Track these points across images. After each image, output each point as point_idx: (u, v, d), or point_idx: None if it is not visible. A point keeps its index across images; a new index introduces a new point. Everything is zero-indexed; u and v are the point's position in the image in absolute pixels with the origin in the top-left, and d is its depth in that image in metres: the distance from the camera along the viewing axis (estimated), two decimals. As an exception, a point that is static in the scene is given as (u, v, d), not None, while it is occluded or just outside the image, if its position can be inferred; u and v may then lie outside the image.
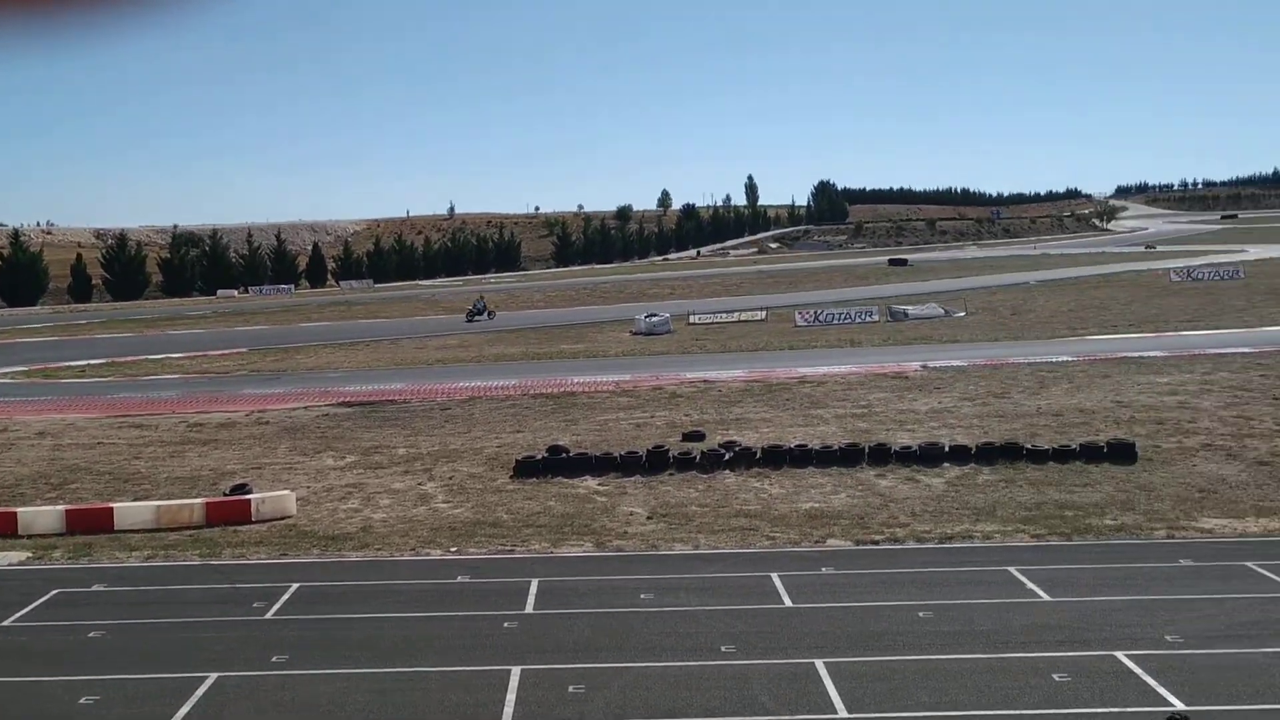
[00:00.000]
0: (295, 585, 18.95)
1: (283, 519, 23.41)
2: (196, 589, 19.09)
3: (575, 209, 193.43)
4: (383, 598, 18.20)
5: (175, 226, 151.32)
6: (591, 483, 25.63)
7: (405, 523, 23.02)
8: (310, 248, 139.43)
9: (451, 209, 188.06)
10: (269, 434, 32.99)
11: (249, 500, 23.75)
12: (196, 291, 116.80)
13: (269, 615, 17.48)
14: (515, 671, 14.64)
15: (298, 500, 24.54)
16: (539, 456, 27.13)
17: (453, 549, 21.14)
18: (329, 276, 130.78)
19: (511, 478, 26.38)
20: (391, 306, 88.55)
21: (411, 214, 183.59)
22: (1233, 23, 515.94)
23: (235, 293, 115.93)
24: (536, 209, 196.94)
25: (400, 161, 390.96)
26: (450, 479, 26.61)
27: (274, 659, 15.39)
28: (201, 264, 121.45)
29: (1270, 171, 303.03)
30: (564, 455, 27.13)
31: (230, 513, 23.36)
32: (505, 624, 16.60)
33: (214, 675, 14.77)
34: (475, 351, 54.40)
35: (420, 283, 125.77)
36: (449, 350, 55.55)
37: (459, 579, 19.18)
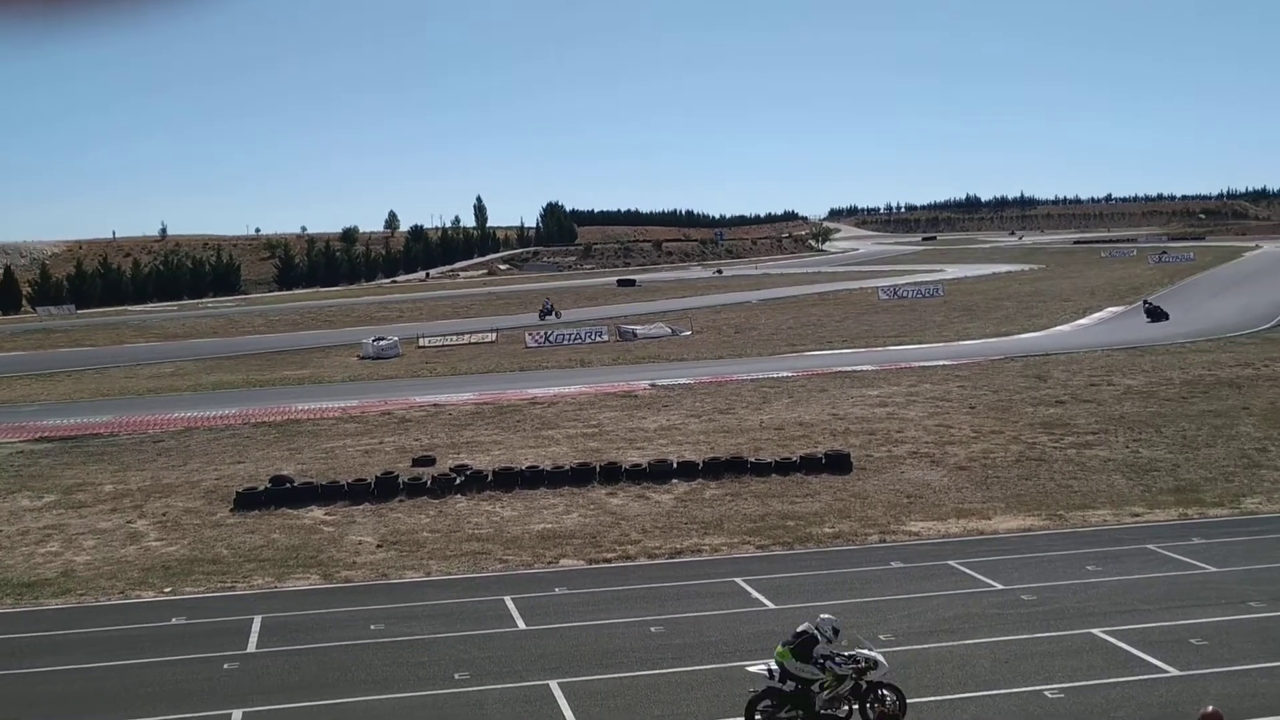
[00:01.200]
0: (-15, 639, 17.34)
1: (-30, 567, 21.39)
2: None
3: (298, 231, 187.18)
4: (87, 647, 16.88)
5: None
6: (318, 513, 24.76)
7: (113, 564, 21.49)
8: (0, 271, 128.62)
9: (164, 230, 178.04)
10: (-46, 474, 30.12)
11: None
12: None
13: (-46, 674, 15.90)
14: (236, 715, 13.91)
15: (-12, 546, 22.50)
16: (261, 487, 25.98)
17: (167, 589, 19.90)
18: (24, 302, 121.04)
19: (232, 511, 25.13)
20: (97, 334, 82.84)
21: (119, 235, 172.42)
22: (927, 62, 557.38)
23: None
24: (257, 230, 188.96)
25: (106, 180, 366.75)
26: (164, 515, 25.07)
27: (-40, 722, 14.01)
28: None
29: (963, 197, 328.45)
30: (288, 485, 26.07)
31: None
32: (226, 665, 15.74)
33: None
34: (191, 380, 51.64)
35: (129, 308, 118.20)
36: (162, 379, 52.49)
37: (174, 621, 18.06)
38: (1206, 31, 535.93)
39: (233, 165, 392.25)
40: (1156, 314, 60.15)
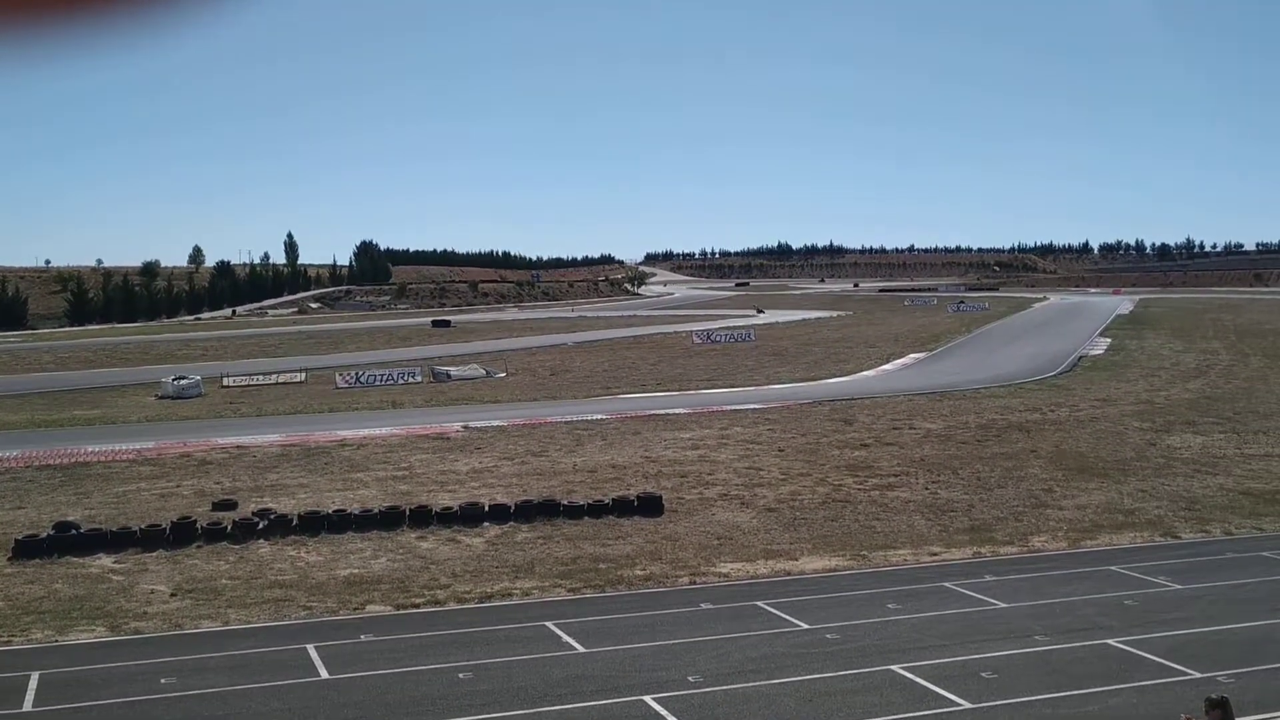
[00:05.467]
0: None
1: None
2: None
3: (94, 263, 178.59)
4: None
5: None
6: (107, 561, 23.41)
7: None
8: None
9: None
10: None
11: None
12: None
13: None
14: (7, 781, 12.94)
15: None
16: (44, 534, 24.39)
17: (-67, 646, 18.43)
18: None
19: (10, 560, 23.47)
20: None
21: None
22: (743, 104, 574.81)
23: None
24: (47, 262, 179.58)
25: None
26: (-68, 565, 23.26)
27: None
28: None
29: (775, 244, 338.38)
30: (74, 532, 24.56)
31: None
32: (-3, 727, 14.66)
33: None
34: (-31, 419, 48.32)
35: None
36: (-64, 418, 48.95)
37: (-61, 680, 16.73)
38: (1001, 105, 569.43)
39: (20, 191, 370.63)
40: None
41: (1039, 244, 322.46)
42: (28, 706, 15.52)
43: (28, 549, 23.73)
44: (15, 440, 40.34)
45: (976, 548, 24.67)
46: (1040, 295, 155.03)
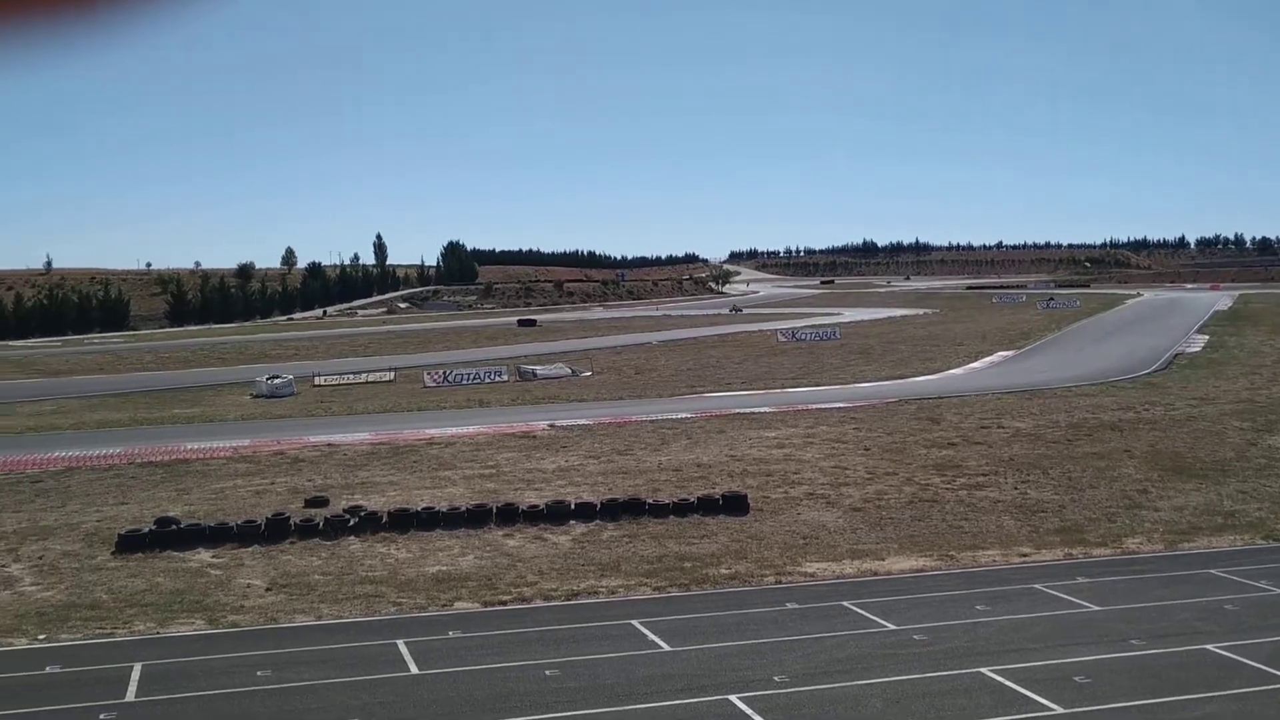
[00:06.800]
0: None
1: None
2: None
3: (192, 266, 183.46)
4: (-47, 697, 16.13)
5: None
6: (205, 555, 24.07)
7: (-16, 610, 20.60)
8: None
9: (49, 263, 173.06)
10: None
11: None
12: None
13: None
14: (112, 768, 13.38)
15: None
16: (145, 529, 25.17)
17: (41, 636, 19.12)
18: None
19: (114, 554, 24.27)
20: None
21: (0, 268, 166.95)
22: (828, 107, 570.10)
23: None
24: (148, 265, 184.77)
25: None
26: (40, 559, 24.11)
27: None
28: None
29: (860, 242, 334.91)
30: (174, 527, 25.31)
31: None
32: (102, 715, 15.15)
33: None
34: (74, 418, 49.96)
35: (10, 343, 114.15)
36: (43, 417, 50.70)
37: (48, 669, 17.34)
38: (1094, 86, 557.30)
39: (123, 199, 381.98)
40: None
41: (1132, 239, 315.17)
42: (130, 696, 16.03)
43: (131, 543, 24.51)
44: (119, 438, 41.65)
45: (1068, 549, 24.24)
46: (1134, 291, 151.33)
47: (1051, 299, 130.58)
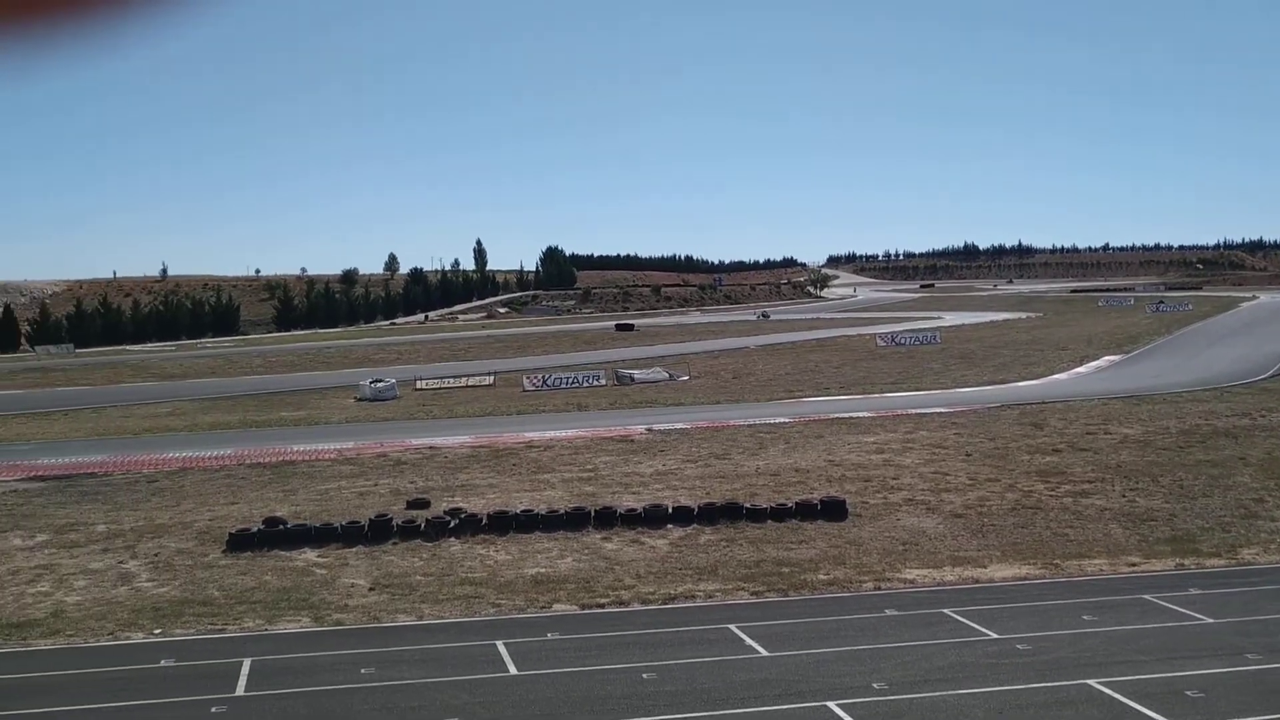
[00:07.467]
0: (-29, 680, 17.20)
1: (-41, 607, 21.25)
2: None
3: (298, 271, 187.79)
4: (74, 688, 16.73)
5: None
6: (311, 555, 24.65)
7: (103, 605, 21.37)
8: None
9: (164, 270, 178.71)
10: (-54, 513, 29.99)
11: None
12: None
13: (-61, 715, 15.77)
14: (223, 760, 13.76)
15: (-22, 585, 22.37)
16: (255, 529, 25.90)
17: (157, 631, 19.78)
18: (21, 340, 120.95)
19: (224, 552, 25.01)
20: (94, 373, 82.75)
21: (119, 275, 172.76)
22: (927, 109, 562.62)
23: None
24: (257, 271, 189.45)
25: (107, 218, 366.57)
26: (156, 556, 24.95)
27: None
28: None
29: (961, 245, 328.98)
30: (281, 527, 25.99)
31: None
32: (213, 709, 15.61)
33: None
34: (188, 420, 51.57)
35: (128, 348, 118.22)
36: (159, 419, 52.41)
37: (163, 663, 17.93)
38: (1203, 85, 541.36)
39: (234, 205, 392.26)
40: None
41: (1246, 240, 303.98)
42: (240, 691, 16.48)
43: (240, 542, 25.23)
44: (229, 439, 42.92)
45: (1179, 559, 23.55)
46: (1249, 294, 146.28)
47: (1161, 302, 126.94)
